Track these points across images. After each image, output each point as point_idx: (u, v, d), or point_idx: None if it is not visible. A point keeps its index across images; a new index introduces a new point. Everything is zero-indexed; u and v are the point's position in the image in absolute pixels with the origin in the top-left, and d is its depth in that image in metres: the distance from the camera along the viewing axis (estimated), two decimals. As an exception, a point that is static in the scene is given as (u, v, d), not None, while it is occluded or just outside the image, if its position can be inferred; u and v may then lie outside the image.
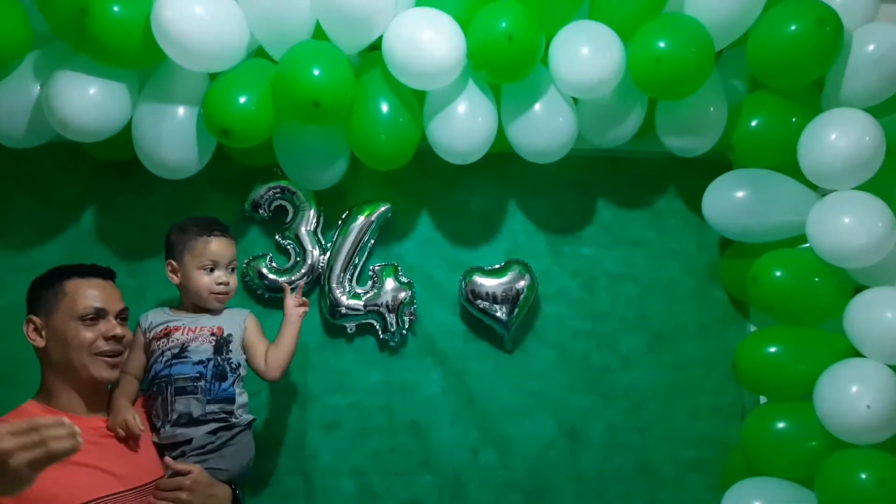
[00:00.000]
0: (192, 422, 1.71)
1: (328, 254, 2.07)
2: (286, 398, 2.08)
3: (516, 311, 2.07)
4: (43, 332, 1.61)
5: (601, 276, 2.19)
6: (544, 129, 1.92)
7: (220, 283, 1.81)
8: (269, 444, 2.06)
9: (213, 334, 1.78)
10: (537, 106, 1.90)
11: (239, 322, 1.84)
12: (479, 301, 2.07)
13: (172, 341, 1.76)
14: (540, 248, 2.18)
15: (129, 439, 1.64)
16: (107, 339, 1.61)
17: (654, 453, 2.14)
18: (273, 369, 1.82)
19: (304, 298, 1.94)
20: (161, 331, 1.78)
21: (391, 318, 2.07)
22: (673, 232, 2.21)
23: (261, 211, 2.07)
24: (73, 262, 1.70)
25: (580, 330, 2.17)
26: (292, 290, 1.96)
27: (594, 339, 2.17)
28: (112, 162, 2.05)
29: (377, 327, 2.09)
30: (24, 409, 1.59)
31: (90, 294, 1.62)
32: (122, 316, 1.67)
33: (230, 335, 1.80)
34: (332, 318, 2.07)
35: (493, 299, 2.06)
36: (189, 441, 1.71)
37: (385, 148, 1.87)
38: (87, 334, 1.60)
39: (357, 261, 2.08)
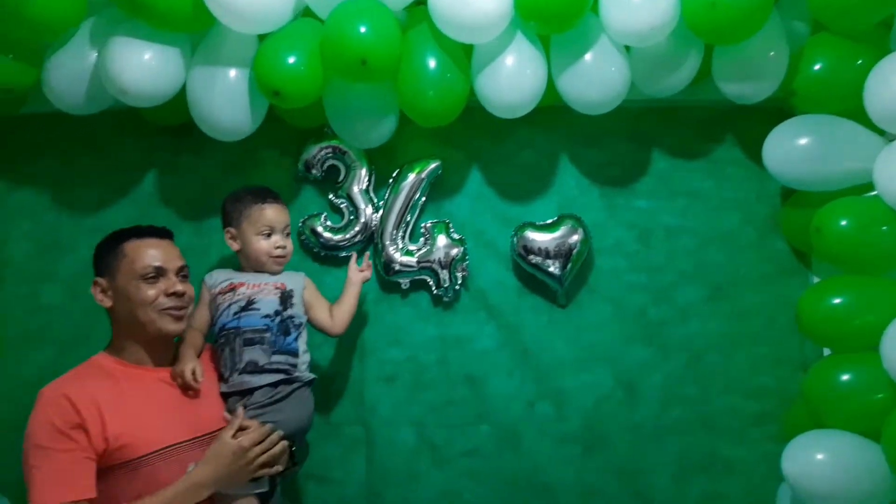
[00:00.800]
0: (259, 370, 1.78)
1: (380, 212, 2.09)
2: (344, 352, 2.14)
3: (569, 265, 2.05)
4: (109, 293, 1.69)
5: (657, 228, 2.16)
6: (596, 79, 1.88)
7: (279, 247, 1.89)
8: (332, 396, 2.12)
9: (277, 288, 1.86)
10: (588, 56, 1.86)
11: (298, 281, 1.93)
12: (531, 256, 2.06)
13: (238, 295, 1.84)
14: (593, 201, 2.16)
15: (191, 389, 1.71)
16: (168, 295, 1.68)
17: (713, 405, 2.13)
18: (338, 324, 1.95)
19: (368, 263, 2.05)
20: (226, 286, 1.86)
21: (444, 275, 2.09)
22: (732, 182, 2.17)
23: (313, 171, 2.10)
24: (140, 222, 1.77)
25: (636, 283, 2.15)
26: (359, 259, 2.06)
27: (651, 293, 2.15)
28: (167, 126, 2.10)
29: (430, 283, 2.11)
30: (95, 361, 1.68)
31: (149, 254, 1.69)
32: (181, 273, 1.73)
33: (292, 290, 1.88)
34: (386, 275, 2.10)
35: (546, 254, 2.05)
36: (251, 392, 1.77)
37: (433, 104, 1.86)
38: (150, 292, 1.66)
39: (409, 218, 2.10)
